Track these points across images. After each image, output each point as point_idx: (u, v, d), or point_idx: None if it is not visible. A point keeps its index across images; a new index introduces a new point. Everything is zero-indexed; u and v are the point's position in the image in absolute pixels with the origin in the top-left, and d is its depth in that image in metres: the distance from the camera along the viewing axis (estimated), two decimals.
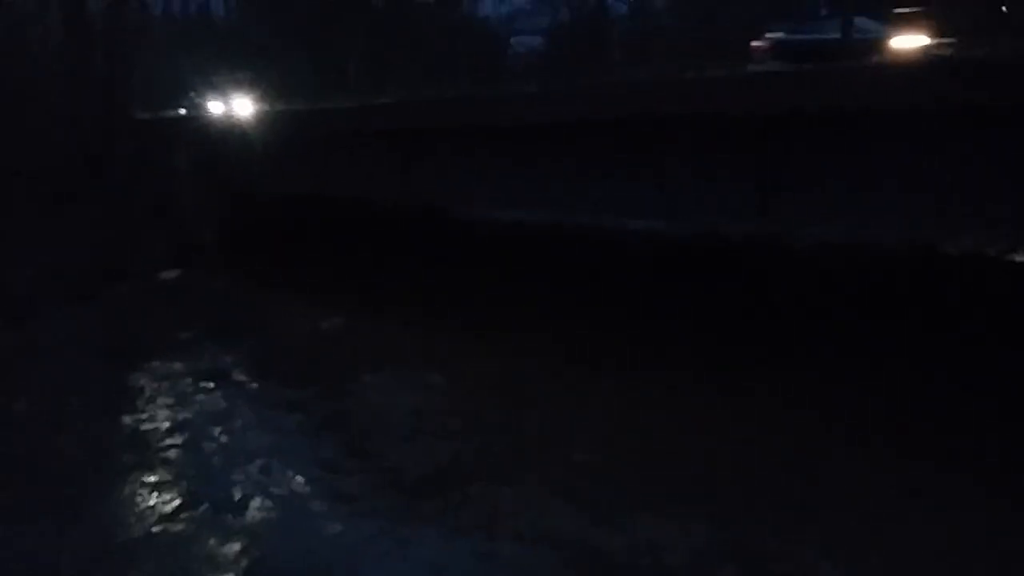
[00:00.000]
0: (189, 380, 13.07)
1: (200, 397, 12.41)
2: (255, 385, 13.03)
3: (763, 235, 15.65)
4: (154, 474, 9.84)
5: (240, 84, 23.90)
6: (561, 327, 13.87)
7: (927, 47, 11.59)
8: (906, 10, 12.75)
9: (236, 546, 8.14)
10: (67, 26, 22.42)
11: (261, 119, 20.15)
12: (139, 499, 9.24)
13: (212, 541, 8.27)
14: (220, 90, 23.92)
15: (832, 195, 10.70)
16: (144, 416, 11.72)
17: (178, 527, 8.60)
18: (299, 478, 9.57)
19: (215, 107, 23.05)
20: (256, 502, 9.00)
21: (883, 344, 11.86)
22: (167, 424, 11.36)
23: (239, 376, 13.35)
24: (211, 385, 12.80)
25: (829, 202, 10.75)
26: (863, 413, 10.10)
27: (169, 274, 20.01)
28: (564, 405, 11.09)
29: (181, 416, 11.59)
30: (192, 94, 24.56)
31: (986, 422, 9.50)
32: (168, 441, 10.81)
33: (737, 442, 9.63)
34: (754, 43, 14.60)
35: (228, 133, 20.61)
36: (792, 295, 14.15)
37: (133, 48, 24.27)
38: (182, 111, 24.35)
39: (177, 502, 9.08)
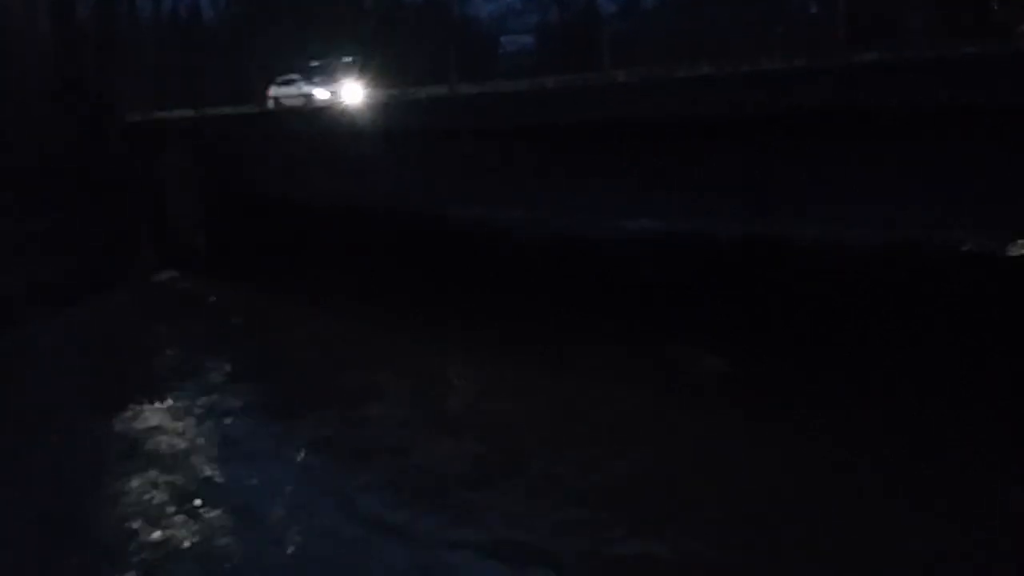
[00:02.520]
0: (175, 384, 13.01)
1: (183, 402, 12.34)
2: (240, 392, 12.90)
3: (756, 235, 15.67)
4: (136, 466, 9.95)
5: (230, 85, 23.79)
6: (557, 328, 13.92)
7: None
8: None
9: None
10: (56, 29, 22.26)
11: (252, 120, 20.08)
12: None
13: None
14: (211, 91, 23.80)
15: (824, 195, 10.74)
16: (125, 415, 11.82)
17: None
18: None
19: (207, 108, 22.91)
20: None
21: (873, 339, 12.02)
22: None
23: (227, 384, 13.22)
24: (196, 391, 12.70)
25: (821, 202, 10.80)
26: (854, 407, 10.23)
27: (161, 278, 19.94)
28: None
29: (165, 422, 11.56)
30: (184, 95, 24.40)
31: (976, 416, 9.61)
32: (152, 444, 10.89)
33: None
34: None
35: (220, 134, 20.54)
36: (786, 294, 14.19)
37: (122, 50, 24.13)
38: (174, 113, 24.20)
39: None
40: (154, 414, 11.90)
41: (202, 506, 9.04)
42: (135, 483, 9.72)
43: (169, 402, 12.37)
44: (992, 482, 8.44)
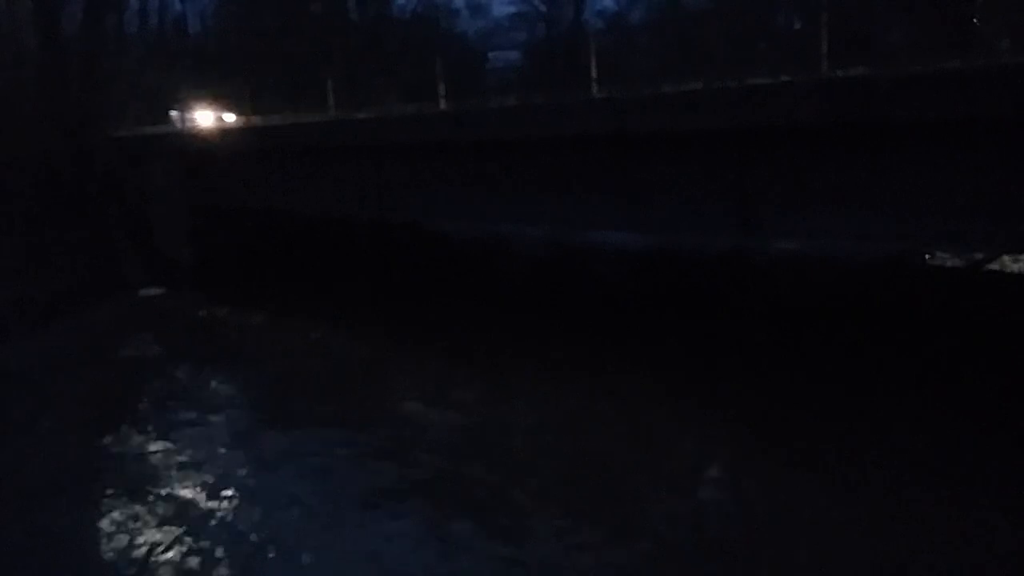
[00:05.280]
0: (160, 400, 12.85)
1: (169, 416, 12.14)
2: (229, 406, 12.72)
3: (743, 249, 15.80)
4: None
5: (217, 99, 23.83)
6: (539, 340, 13.98)
7: None
8: None
9: None
10: (41, 44, 22.19)
11: (238, 135, 20.06)
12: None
13: None
14: (197, 106, 23.83)
15: (810, 209, 10.77)
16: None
17: None
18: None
19: (192, 123, 22.94)
20: None
21: (854, 351, 12.15)
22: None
23: (213, 397, 13.07)
24: (182, 404, 12.53)
25: (807, 216, 10.82)
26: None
27: (147, 293, 19.80)
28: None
29: (151, 441, 11.35)
30: (169, 110, 24.39)
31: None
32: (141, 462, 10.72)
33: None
34: None
35: (205, 149, 20.51)
36: (769, 307, 14.29)
37: (108, 64, 24.09)
38: (159, 127, 24.20)
39: None
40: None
41: None
42: None
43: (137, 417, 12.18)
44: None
